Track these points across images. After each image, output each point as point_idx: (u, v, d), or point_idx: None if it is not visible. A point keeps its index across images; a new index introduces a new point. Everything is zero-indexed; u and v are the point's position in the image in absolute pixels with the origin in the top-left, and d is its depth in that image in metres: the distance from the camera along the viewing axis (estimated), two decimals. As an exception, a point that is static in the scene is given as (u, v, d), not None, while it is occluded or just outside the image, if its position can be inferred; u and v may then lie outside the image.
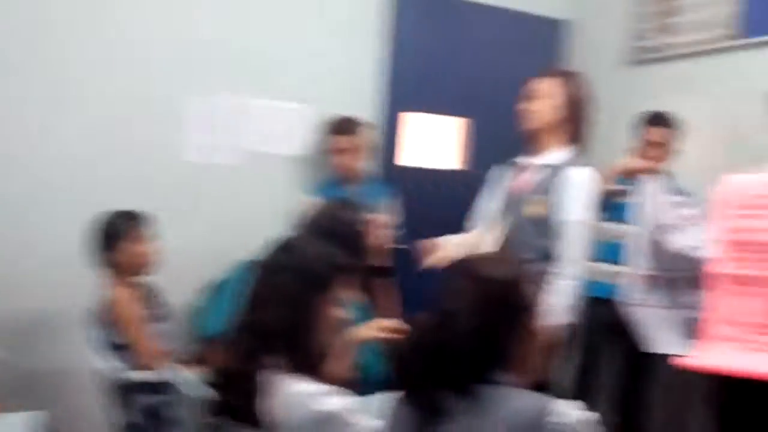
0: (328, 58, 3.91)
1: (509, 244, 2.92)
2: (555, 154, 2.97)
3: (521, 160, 3.10)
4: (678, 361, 2.78)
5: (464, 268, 1.70)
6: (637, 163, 3.25)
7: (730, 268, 2.70)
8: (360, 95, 3.99)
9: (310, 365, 1.77)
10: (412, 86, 4.10)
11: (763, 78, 3.19)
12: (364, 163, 3.84)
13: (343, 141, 3.73)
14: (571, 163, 2.93)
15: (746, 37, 3.49)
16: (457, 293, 1.64)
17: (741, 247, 2.68)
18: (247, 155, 3.79)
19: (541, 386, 1.76)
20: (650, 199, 3.12)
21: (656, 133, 3.49)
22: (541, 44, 4.37)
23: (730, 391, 2.79)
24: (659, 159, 3.46)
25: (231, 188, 3.75)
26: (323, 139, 3.83)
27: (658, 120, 3.52)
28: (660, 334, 3.12)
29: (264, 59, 3.78)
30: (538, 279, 2.83)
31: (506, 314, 1.62)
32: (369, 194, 3.59)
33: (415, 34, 4.12)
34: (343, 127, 3.76)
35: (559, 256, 2.88)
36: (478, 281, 1.64)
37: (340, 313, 1.87)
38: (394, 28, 4.06)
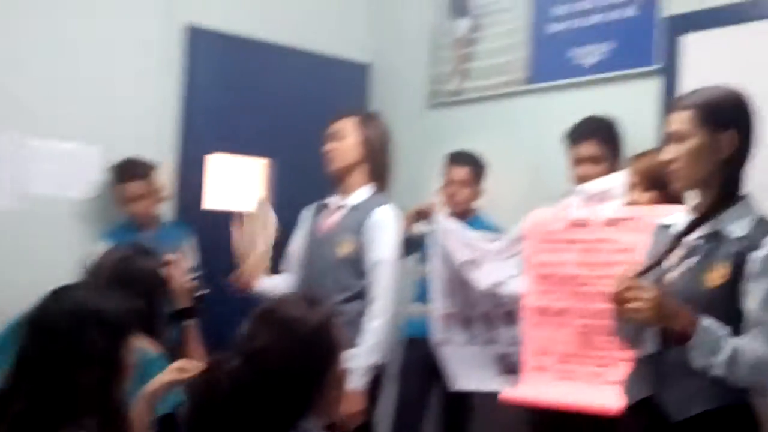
0: (118, 96, 3.69)
1: (319, 285, 2.86)
2: (359, 194, 2.98)
3: (329, 200, 3.10)
4: (501, 397, 2.85)
5: (266, 309, 1.57)
6: (431, 203, 3.29)
7: (536, 301, 2.78)
8: (155, 135, 3.77)
9: (111, 424, 1.60)
10: (212, 127, 3.95)
11: (556, 119, 3.34)
12: (160, 207, 3.65)
13: (135, 186, 3.52)
14: (375, 202, 2.95)
15: (537, 81, 3.66)
16: (259, 336, 1.50)
17: (545, 280, 2.78)
18: (30, 200, 3.47)
19: (361, 429, 1.67)
20: (448, 238, 3.17)
21: (458, 172, 3.56)
22: (347, 87, 4.36)
23: (544, 424, 2.84)
24: (463, 197, 3.54)
25: (10, 236, 3.41)
26: (113, 184, 3.58)
27: (459, 159, 3.59)
28: (467, 371, 3.16)
29: (47, 95, 3.50)
30: (351, 320, 2.81)
31: (310, 357, 1.51)
32: (166, 238, 3.44)
33: (213, 74, 3.97)
34: (134, 171, 3.54)
35: (371, 296, 2.85)
36: (281, 323, 1.52)
37: (134, 362, 1.70)
38: (189, 67, 3.90)
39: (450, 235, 3.17)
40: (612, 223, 2.62)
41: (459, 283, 3.12)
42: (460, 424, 3.54)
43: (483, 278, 3.04)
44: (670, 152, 2.00)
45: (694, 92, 2.04)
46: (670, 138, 2.01)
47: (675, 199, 2.29)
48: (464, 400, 3.43)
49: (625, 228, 2.58)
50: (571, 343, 2.68)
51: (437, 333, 3.16)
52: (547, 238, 2.80)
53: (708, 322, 1.83)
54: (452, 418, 3.54)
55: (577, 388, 2.64)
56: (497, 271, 3.03)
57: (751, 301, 1.86)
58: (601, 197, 2.77)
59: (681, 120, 1.97)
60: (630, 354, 2.26)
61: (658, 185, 2.49)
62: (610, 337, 2.51)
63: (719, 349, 1.81)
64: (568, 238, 2.73)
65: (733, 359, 1.81)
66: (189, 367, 1.95)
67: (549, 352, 2.75)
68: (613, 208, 2.70)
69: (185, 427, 1.52)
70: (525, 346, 2.83)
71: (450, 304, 3.16)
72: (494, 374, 3.08)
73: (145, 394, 1.96)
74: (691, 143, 1.96)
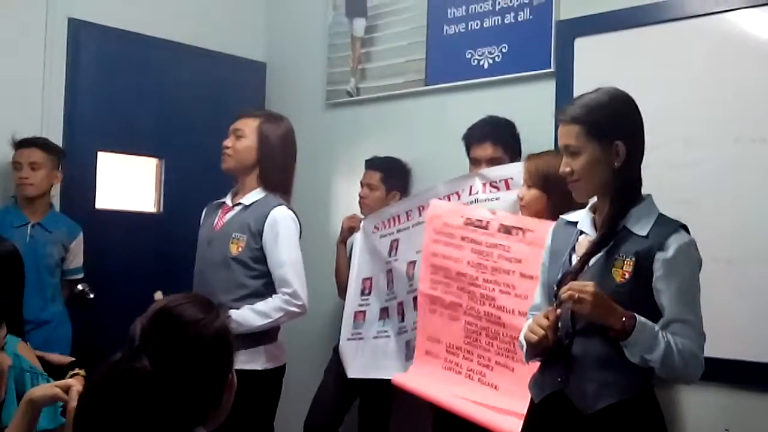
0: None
1: (212, 283, 2.86)
2: (254, 194, 2.96)
3: (225, 199, 3.06)
4: (393, 380, 2.91)
5: (161, 310, 1.47)
6: (354, 215, 3.50)
7: (430, 289, 2.80)
8: (41, 131, 3.57)
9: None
10: (100, 123, 3.81)
11: (453, 120, 3.38)
12: (50, 193, 3.51)
13: (35, 153, 3.37)
14: (270, 202, 2.92)
15: (434, 82, 3.67)
16: (155, 337, 1.41)
17: (438, 270, 2.79)
18: None
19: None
20: (362, 241, 3.30)
21: (369, 176, 3.58)
22: (243, 86, 4.29)
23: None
24: (373, 200, 3.54)
25: None
26: (13, 152, 3.40)
27: (371, 163, 3.62)
28: (371, 361, 3.20)
29: None
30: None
31: (210, 362, 1.44)
32: (56, 228, 3.44)
33: (99, 69, 3.82)
34: (35, 140, 3.42)
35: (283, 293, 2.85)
36: (178, 325, 1.43)
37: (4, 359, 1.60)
38: (73, 61, 3.73)
39: (362, 240, 3.29)
40: (506, 230, 2.63)
41: (384, 277, 3.23)
42: (381, 410, 3.50)
43: (401, 257, 3.14)
44: (567, 165, 2.06)
45: (578, 101, 2.08)
46: (564, 151, 2.06)
47: (564, 200, 2.32)
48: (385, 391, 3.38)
49: (517, 238, 2.59)
50: (459, 337, 2.70)
51: (346, 329, 3.25)
52: (443, 230, 2.81)
53: (643, 320, 1.91)
54: (373, 405, 3.50)
55: (458, 383, 2.65)
56: (411, 246, 3.11)
57: (665, 299, 1.95)
58: (506, 183, 2.83)
59: (570, 135, 2.03)
60: (506, 361, 2.32)
61: (548, 186, 2.54)
62: (493, 340, 2.55)
63: (656, 345, 1.90)
64: (463, 236, 2.74)
65: (667, 354, 1.90)
66: (77, 384, 1.84)
67: (439, 340, 2.77)
68: (510, 214, 2.74)
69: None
70: (419, 330, 2.86)
71: (365, 302, 3.25)
72: (402, 362, 3.11)
73: (26, 402, 1.83)
74: (585, 158, 2.02)
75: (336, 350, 3.46)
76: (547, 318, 2.01)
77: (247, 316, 2.76)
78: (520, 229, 2.59)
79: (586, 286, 1.91)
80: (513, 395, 2.39)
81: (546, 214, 2.56)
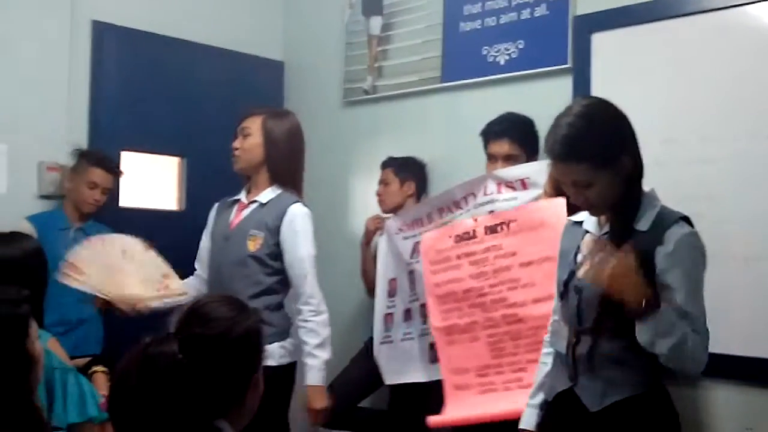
0: (26, 94, 3.55)
1: (229, 280, 2.87)
2: (268, 192, 2.96)
3: (239, 197, 3.07)
4: (429, 423, 2.78)
5: (196, 306, 1.53)
6: (377, 216, 3.48)
7: (442, 321, 2.78)
8: (66, 133, 3.64)
9: (25, 415, 1.57)
10: (123, 124, 3.87)
11: (470, 117, 3.40)
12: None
13: (105, 177, 3.49)
14: (286, 200, 2.93)
15: (451, 79, 3.69)
16: (189, 330, 1.47)
17: (445, 298, 2.77)
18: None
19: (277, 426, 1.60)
20: (386, 242, 3.29)
21: (384, 175, 3.59)
22: (262, 85, 4.33)
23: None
24: (388, 198, 3.55)
25: None
26: (84, 164, 3.47)
27: (386, 162, 3.61)
28: (400, 366, 3.20)
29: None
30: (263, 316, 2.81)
31: (238, 360, 1.49)
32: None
33: (122, 70, 3.88)
34: (111, 163, 3.53)
35: (302, 293, 2.87)
36: (211, 321, 1.48)
37: (39, 349, 1.67)
38: (96, 64, 3.80)
39: (386, 240, 3.29)
40: (492, 230, 2.62)
41: (406, 278, 3.21)
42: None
43: (415, 272, 3.12)
44: (580, 195, 2.03)
45: (568, 134, 2.00)
46: (573, 185, 2.03)
47: None
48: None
49: (504, 233, 2.57)
50: (485, 355, 2.67)
51: (378, 333, 3.24)
52: (437, 258, 2.80)
53: (666, 308, 1.88)
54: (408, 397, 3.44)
55: (499, 398, 2.61)
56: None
57: (670, 293, 1.93)
58: (523, 183, 2.83)
59: (575, 172, 2.00)
60: (536, 355, 2.33)
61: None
62: (518, 340, 2.55)
63: (671, 333, 1.86)
64: (458, 254, 2.73)
65: (678, 346, 1.87)
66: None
67: (466, 369, 2.73)
68: (488, 215, 2.73)
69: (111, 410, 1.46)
70: (443, 367, 2.81)
71: (392, 304, 3.23)
72: (425, 364, 3.12)
73: None
74: (600, 186, 1.99)
75: (367, 344, 3.47)
76: None
77: (321, 356, 2.82)
78: (503, 223, 2.58)
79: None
80: None
81: None
